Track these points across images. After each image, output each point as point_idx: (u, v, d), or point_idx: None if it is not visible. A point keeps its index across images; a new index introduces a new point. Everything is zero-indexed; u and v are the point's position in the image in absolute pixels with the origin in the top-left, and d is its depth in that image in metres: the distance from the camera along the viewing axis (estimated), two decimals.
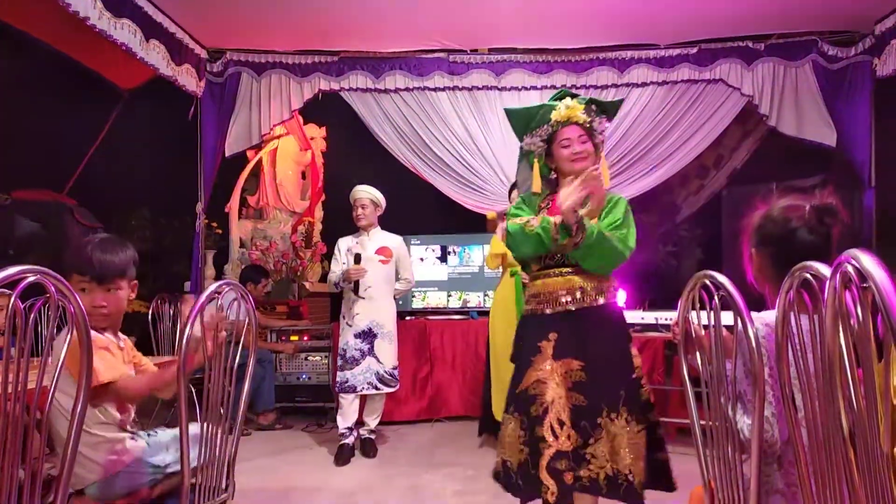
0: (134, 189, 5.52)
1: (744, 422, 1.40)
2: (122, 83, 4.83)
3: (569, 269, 2.20)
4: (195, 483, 1.69)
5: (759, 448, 1.32)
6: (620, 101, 2.51)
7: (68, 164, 5.03)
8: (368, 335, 3.82)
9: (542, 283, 2.26)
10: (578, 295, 2.18)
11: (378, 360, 3.82)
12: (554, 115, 2.24)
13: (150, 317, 4.37)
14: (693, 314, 1.54)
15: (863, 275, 0.80)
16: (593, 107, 2.28)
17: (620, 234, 2.20)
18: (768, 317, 1.46)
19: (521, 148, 2.39)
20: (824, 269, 1.01)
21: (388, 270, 3.95)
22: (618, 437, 2.07)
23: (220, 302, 1.72)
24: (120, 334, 1.96)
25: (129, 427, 1.85)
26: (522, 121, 2.34)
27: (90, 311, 1.70)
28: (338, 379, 3.85)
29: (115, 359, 1.77)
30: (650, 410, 2.19)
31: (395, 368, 3.90)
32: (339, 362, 3.86)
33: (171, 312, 4.41)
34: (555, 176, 2.33)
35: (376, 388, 3.82)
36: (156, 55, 4.07)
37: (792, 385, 1.21)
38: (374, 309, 3.85)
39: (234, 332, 1.78)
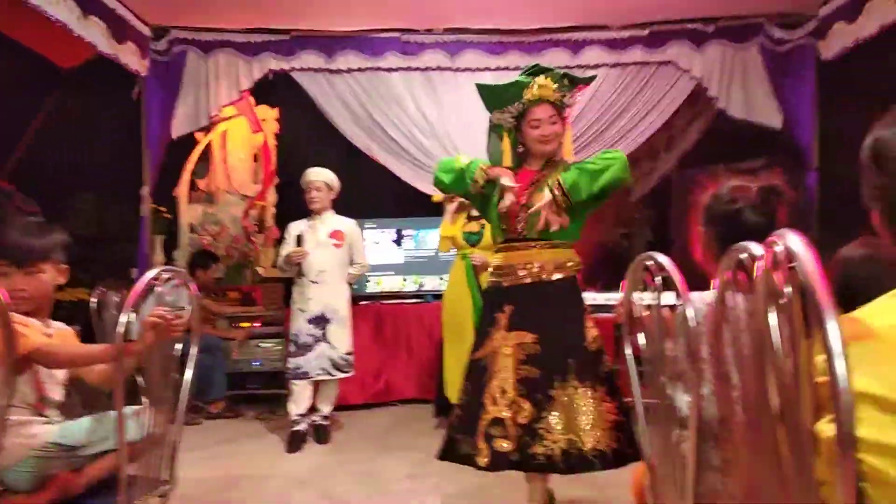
0: (76, 172, 5.31)
1: (683, 400, 1.43)
2: (62, 62, 4.61)
3: (530, 245, 2.26)
4: (133, 475, 1.64)
5: (697, 426, 1.34)
6: (593, 77, 2.57)
7: (6, 147, 4.81)
8: (321, 320, 3.77)
9: (504, 255, 2.32)
10: (536, 269, 2.23)
11: (331, 346, 3.77)
12: (526, 94, 2.26)
13: (91, 305, 4.21)
14: (636, 294, 1.55)
15: (791, 255, 0.81)
16: (566, 81, 2.31)
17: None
18: (709, 296, 1.49)
19: (490, 120, 2.41)
20: (758, 249, 1.02)
21: (341, 255, 3.90)
22: (571, 408, 2.10)
23: (158, 289, 1.67)
24: (54, 322, 1.90)
25: (44, 412, 1.79)
26: (494, 98, 2.35)
27: (11, 295, 1.65)
28: (290, 365, 3.80)
29: (34, 330, 1.72)
30: (614, 381, 2.22)
31: (349, 354, 3.86)
32: (292, 348, 3.81)
33: (116, 300, 4.26)
34: (522, 150, 2.37)
35: (330, 374, 3.78)
36: (95, 32, 3.88)
37: (729, 363, 1.23)
38: (327, 294, 3.80)
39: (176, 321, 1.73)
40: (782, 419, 0.91)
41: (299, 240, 3.74)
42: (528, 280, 2.24)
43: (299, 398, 3.79)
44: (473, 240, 3.74)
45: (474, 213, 3.79)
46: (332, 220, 3.92)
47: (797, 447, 0.85)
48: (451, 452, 2.21)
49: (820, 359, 0.72)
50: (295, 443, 3.71)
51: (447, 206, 3.75)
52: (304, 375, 3.74)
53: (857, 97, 3.93)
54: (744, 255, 1.06)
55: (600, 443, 2.07)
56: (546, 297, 2.23)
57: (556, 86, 2.26)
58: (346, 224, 3.95)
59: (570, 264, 2.29)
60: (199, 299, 4.78)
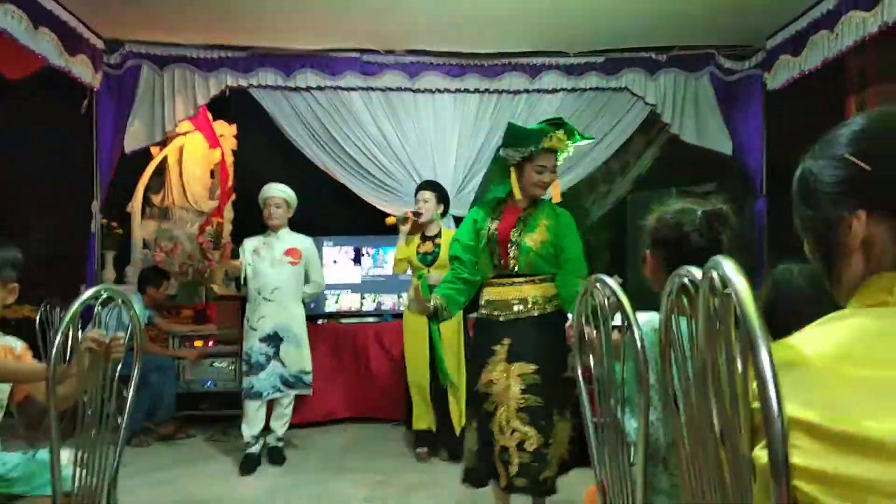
0: (25, 186, 5.15)
1: (630, 425, 1.43)
2: (10, 73, 4.48)
3: (521, 280, 2.43)
4: None
5: (645, 449, 1.35)
6: (593, 138, 2.90)
7: None
8: (274, 339, 3.71)
9: (495, 290, 2.48)
10: (529, 304, 2.42)
11: (284, 364, 3.72)
12: (544, 141, 2.40)
13: (37, 323, 4.06)
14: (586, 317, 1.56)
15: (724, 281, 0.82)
16: (574, 135, 2.49)
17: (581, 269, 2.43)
18: (658, 318, 1.50)
19: (498, 153, 2.54)
20: (699, 274, 1.04)
21: (296, 272, 3.85)
22: (563, 434, 2.34)
23: (98, 312, 1.61)
24: (4, 337, 1.84)
25: None
26: (517, 136, 2.48)
27: None
28: (243, 385, 3.72)
29: None
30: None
31: (306, 372, 3.80)
32: (244, 368, 3.73)
33: (62, 318, 4.10)
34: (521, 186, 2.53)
35: (281, 391, 3.72)
36: (46, 44, 3.79)
37: (675, 387, 1.23)
38: (280, 312, 3.74)
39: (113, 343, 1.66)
40: (723, 444, 0.91)
41: (238, 254, 3.75)
42: (524, 315, 2.40)
43: (252, 419, 3.70)
44: (428, 259, 3.73)
45: (428, 233, 3.79)
46: (288, 238, 3.87)
47: (736, 473, 0.85)
48: (473, 479, 2.44)
49: (755, 385, 0.72)
50: (248, 465, 3.62)
51: (401, 228, 3.73)
52: (256, 396, 3.66)
53: (803, 126, 4.07)
54: (686, 280, 1.07)
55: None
56: (540, 330, 2.39)
57: (569, 143, 2.45)
58: (303, 242, 3.91)
59: (557, 298, 2.45)
60: (155, 317, 4.60)
